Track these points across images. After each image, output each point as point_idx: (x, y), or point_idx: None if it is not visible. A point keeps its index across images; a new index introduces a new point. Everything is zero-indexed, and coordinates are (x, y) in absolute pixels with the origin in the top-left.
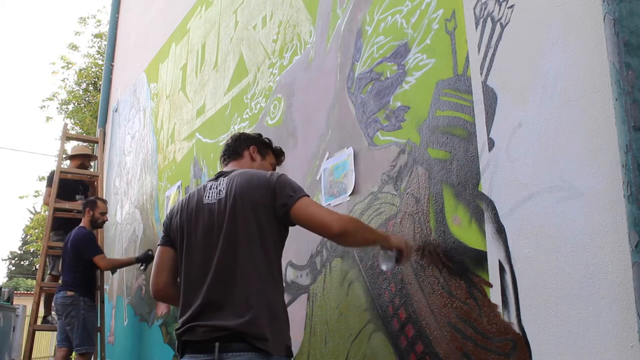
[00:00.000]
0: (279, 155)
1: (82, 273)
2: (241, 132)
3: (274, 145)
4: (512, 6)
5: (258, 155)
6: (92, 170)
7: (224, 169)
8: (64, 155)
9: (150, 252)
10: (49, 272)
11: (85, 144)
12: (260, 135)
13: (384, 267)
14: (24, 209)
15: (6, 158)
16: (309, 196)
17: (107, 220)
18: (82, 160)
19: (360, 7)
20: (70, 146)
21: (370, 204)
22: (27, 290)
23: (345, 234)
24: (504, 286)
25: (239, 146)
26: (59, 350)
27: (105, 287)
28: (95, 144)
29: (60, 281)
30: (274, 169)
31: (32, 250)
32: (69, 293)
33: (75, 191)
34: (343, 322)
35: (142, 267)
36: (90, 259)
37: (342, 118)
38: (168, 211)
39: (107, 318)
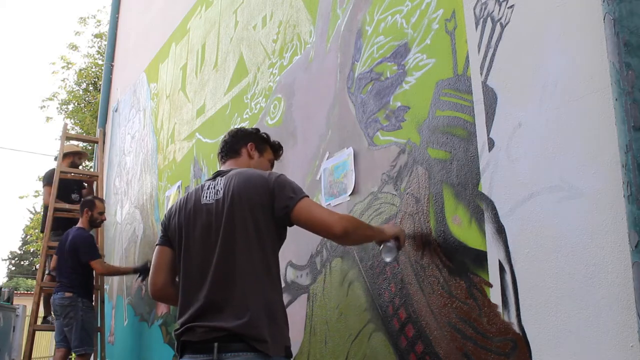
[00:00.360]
0: (277, 150)
1: (81, 274)
2: (238, 127)
3: (271, 140)
4: (512, 6)
5: (256, 152)
6: (91, 168)
7: (222, 168)
8: (55, 157)
9: (148, 265)
10: (47, 272)
11: (75, 142)
12: (257, 130)
13: (388, 259)
14: (24, 209)
15: (6, 158)
16: (308, 197)
17: (105, 219)
18: (72, 158)
19: (360, 7)
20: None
21: (370, 204)
22: (27, 290)
23: (346, 235)
24: (504, 286)
25: (237, 143)
26: (57, 350)
27: (105, 287)
28: (95, 144)
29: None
30: (272, 165)
31: (32, 250)
32: (67, 294)
33: (71, 191)
34: (343, 322)
35: (139, 279)
36: (87, 262)
37: (342, 118)
38: (166, 211)
39: (107, 318)
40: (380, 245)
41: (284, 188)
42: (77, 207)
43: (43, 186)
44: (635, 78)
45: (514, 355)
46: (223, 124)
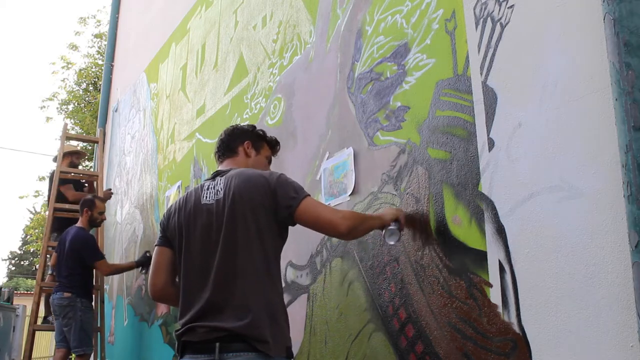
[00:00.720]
0: (274, 146)
1: (80, 274)
2: (234, 125)
3: (268, 136)
4: (512, 6)
5: (252, 151)
6: (90, 168)
7: (220, 168)
8: (53, 157)
9: (148, 254)
10: (49, 272)
11: (74, 142)
12: (253, 127)
13: (391, 242)
14: (24, 209)
15: (6, 158)
16: (310, 195)
17: (105, 219)
18: (71, 158)
19: (360, 7)
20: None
21: (370, 204)
22: (27, 290)
23: (351, 232)
24: (504, 286)
25: (233, 142)
26: (57, 350)
27: (105, 287)
28: (95, 144)
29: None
30: (270, 162)
31: (32, 250)
32: (66, 294)
33: (76, 190)
34: (343, 322)
35: (143, 272)
36: (91, 264)
37: (342, 118)
38: (165, 211)
39: (107, 318)
40: (382, 231)
41: (285, 188)
42: (77, 207)
43: (58, 186)
44: (635, 78)
45: (514, 355)
46: (223, 124)
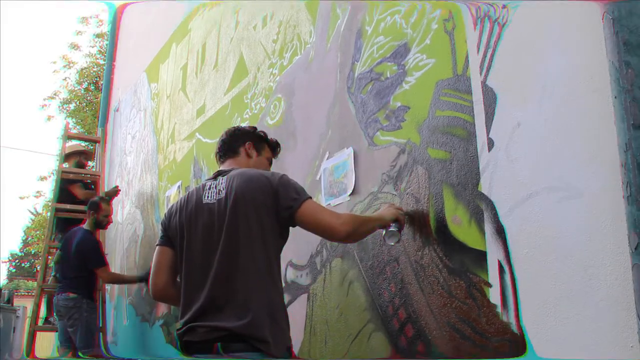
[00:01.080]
0: (274, 148)
1: (85, 276)
2: (235, 126)
3: (269, 138)
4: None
5: (254, 151)
6: (91, 168)
7: (222, 168)
8: (58, 157)
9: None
10: (52, 273)
11: (79, 141)
12: (254, 128)
13: (391, 243)
14: (24, 209)
15: (6, 158)
16: (311, 198)
17: (111, 221)
18: (79, 157)
19: (360, 7)
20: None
21: (370, 204)
22: (27, 292)
23: (350, 237)
24: (503, 286)
25: (235, 143)
26: (60, 351)
27: (106, 287)
28: (96, 144)
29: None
30: (271, 163)
31: (32, 251)
32: (71, 295)
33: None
34: (343, 322)
35: (146, 288)
36: (93, 269)
37: (342, 118)
38: (166, 210)
39: (108, 318)
40: (383, 231)
41: (287, 188)
42: (79, 207)
43: (67, 186)
44: (634, 76)
45: (513, 355)
46: (223, 124)
